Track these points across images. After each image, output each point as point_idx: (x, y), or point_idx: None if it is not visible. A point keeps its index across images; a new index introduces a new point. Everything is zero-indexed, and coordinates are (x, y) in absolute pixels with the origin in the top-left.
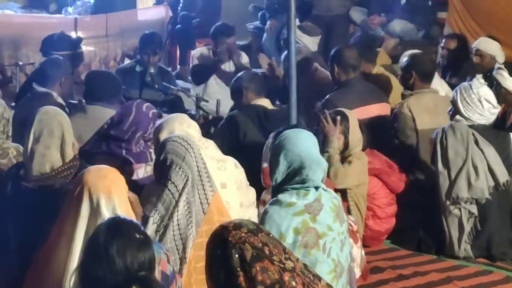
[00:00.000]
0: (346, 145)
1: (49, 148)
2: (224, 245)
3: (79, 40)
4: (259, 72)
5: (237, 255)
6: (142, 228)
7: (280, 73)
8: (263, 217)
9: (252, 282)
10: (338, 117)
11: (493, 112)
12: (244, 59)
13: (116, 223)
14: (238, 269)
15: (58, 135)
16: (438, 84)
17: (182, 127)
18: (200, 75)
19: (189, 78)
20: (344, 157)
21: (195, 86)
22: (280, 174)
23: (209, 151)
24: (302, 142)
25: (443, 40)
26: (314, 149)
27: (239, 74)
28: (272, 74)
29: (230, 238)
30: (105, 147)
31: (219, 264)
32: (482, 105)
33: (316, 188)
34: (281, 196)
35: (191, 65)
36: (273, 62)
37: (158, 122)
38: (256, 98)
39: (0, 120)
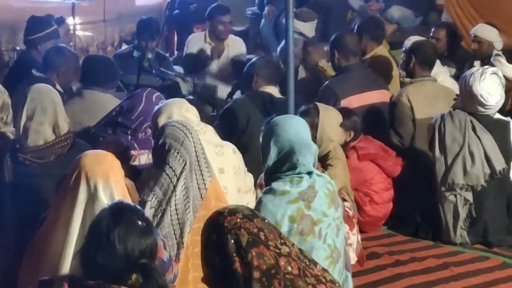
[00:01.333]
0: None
1: (43, 124)
2: (219, 231)
3: (50, 18)
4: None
5: (232, 241)
6: (145, 215)
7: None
8: (257, 206)
9: (248, 267)
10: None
11: (489, 107)
12: (242, 47)
13: (119, 209)
14: (234, 254)
15: (51, 112)
16: (443, 72)
17: (181, 112)
18: (191, 66)
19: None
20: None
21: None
22: (271, 160)
23: (207, 136)
24: (292, 127)
25: (432, 30)
26: (304, 133)
27: (253, 60)
28: None
29: (225, 224)
30: (111, 132)
31: (214, 250)
32: (475, 99)
33: (309, 173)
34: (274, 185)
35: (184, 51)
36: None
37: (157, 107)
38: (266, 85)
39: None
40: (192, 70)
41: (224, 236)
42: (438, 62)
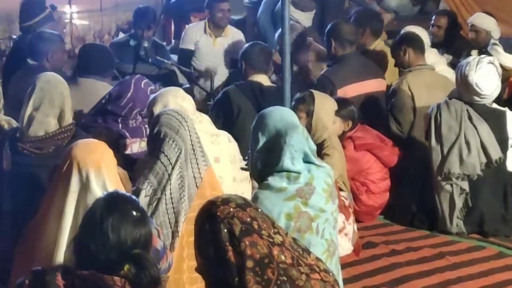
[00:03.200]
0: (308, 128)
1: (48, 116)
2: (212, 220)
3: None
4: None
5: (225, 230)
6: (141, 205)
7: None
8: (253, 201)
9: (241, 257)
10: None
11: (484, 96)
12: (241, 38)
13: (114, 198)
14: (227, 243)
15: (58, 105)
16: (441, 62)
17: (176, 101)
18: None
19: None
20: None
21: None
22: (259, 151)
23: (203, 125)
24: (276, 114)
25: (433, 17)
26: (288, 117)
27: (245, 46)
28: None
29: (218, 213)
30: (102, 120)
31: (208, 239)
32: (470, 88)
33: (308, 163)
34: (271, 180)
35: (180, 42)
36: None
37: (152, 95)
38: (254, 73)
39: None
40: (186, 65)
41: (217, 225)
42: (435, 51)
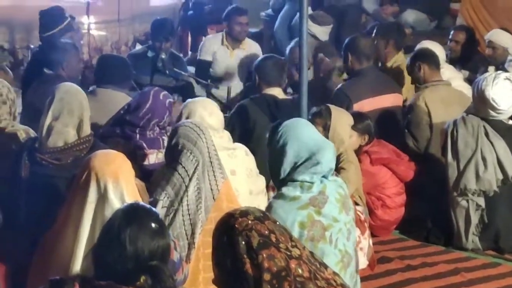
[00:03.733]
0: None
1: (67, 126)
2: (230, 232)
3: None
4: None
5: (243, 242)
6: (160, 217)
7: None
8: (267, 211)
9: (258, 269)
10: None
11: (501, 111)
12: (258, 51)
13: (133, 209)
14: (245, 256)
15: (77, 115)
16: (458, 77)
17: (203, 113)
18: (204, 72)
19: None
20: None
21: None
22: (288, 164)
23: (222, 141)
24: (304, 130)
25: (451, 32)
26: (316, 134)
27: (258, 59)
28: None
29: (236, 225)
30: (120, 131)
31: (225, 251)
32: (486, 103)
33: (323, 176)
34: (284, 190)
35: (198, 54)
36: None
37: (188, 100)
38: (268, 87)
39: (5, 101)
40: (204, 77)
41: (235, 237)
42: (452, 67)
